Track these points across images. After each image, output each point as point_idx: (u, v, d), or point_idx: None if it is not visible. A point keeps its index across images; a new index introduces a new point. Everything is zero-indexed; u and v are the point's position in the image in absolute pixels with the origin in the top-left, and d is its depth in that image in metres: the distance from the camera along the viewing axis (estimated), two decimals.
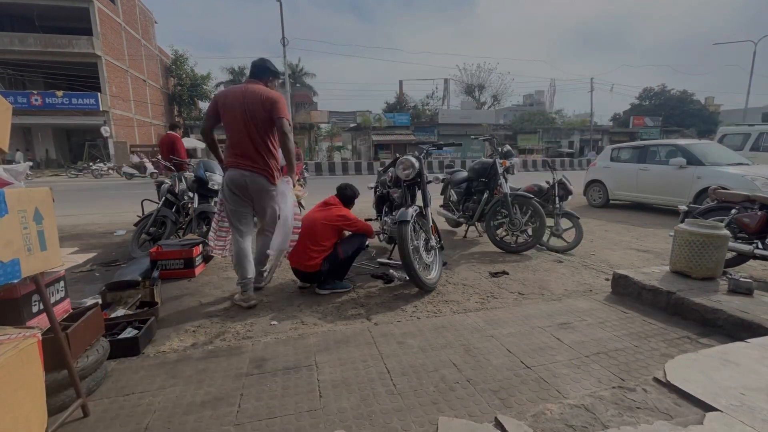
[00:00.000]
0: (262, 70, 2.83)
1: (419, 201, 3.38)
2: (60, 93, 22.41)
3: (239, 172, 2.73)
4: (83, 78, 23.50)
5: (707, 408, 1.42)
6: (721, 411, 1.38)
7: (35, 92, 22.41)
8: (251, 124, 2.67)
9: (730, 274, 2.68)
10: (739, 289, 2.51)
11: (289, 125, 2.73)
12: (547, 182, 4.62)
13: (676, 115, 41.70)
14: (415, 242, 3.02)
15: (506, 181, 4.23)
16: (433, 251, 3.23)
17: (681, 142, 6.99)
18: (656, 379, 1.63)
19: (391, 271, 3.21)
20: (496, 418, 1.42)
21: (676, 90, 44.38)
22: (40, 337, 1.28)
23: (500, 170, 4.24)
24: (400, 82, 38.87)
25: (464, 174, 4.99)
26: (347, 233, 3.14)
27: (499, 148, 4.50)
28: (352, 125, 33.84)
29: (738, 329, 2.15)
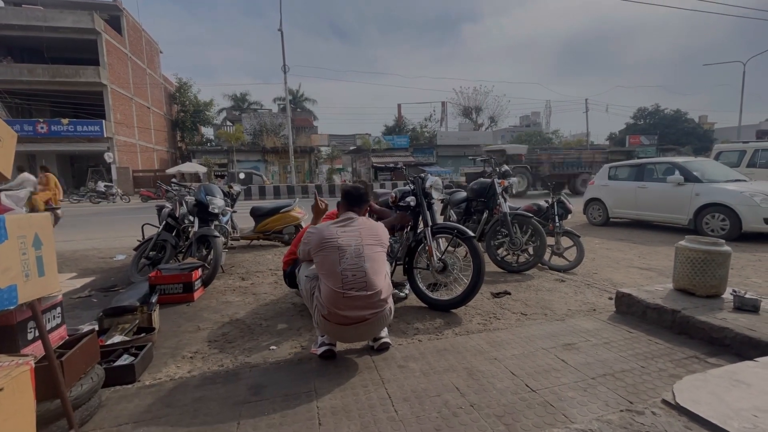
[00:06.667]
0: None
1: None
2: (66, 121, 22.84)
3: None
4: (89, 106, 24.04)
5: (719, 431, 1.37)
6: None
7: (41, 120, 22.83)
8: None
9: (736, 291, 2.65)
10: (746, 307, 2.47)
11: None
12: (546, 201, 4.64)
13: (671, 133, 42.23)
14: (419, 263, 3.02)
15: (505, 201, 4.25)
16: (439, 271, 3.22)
17: (678, 159, 7.06)
18: (665, 401, 1.58)
19: (401, 289, 3.20)
20: None
21: (670, 109, 45.17)
22: (33, 366, 1.25)
23: (499, 190, 4.26)
24: (399, 106, 39.75)
25: (463, 194, 5.02)
26: None
27: (497, 168, 4.55)
28: (351, 148, 34.32)
29: (746, 348, 2.11)
